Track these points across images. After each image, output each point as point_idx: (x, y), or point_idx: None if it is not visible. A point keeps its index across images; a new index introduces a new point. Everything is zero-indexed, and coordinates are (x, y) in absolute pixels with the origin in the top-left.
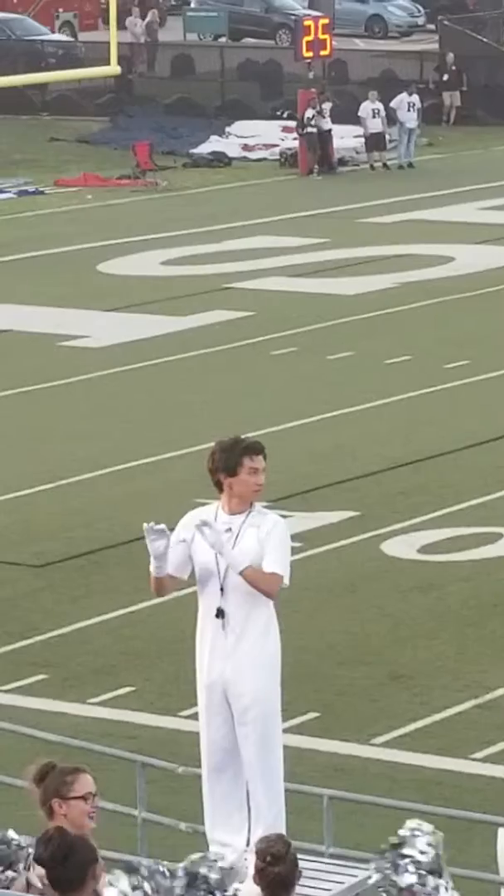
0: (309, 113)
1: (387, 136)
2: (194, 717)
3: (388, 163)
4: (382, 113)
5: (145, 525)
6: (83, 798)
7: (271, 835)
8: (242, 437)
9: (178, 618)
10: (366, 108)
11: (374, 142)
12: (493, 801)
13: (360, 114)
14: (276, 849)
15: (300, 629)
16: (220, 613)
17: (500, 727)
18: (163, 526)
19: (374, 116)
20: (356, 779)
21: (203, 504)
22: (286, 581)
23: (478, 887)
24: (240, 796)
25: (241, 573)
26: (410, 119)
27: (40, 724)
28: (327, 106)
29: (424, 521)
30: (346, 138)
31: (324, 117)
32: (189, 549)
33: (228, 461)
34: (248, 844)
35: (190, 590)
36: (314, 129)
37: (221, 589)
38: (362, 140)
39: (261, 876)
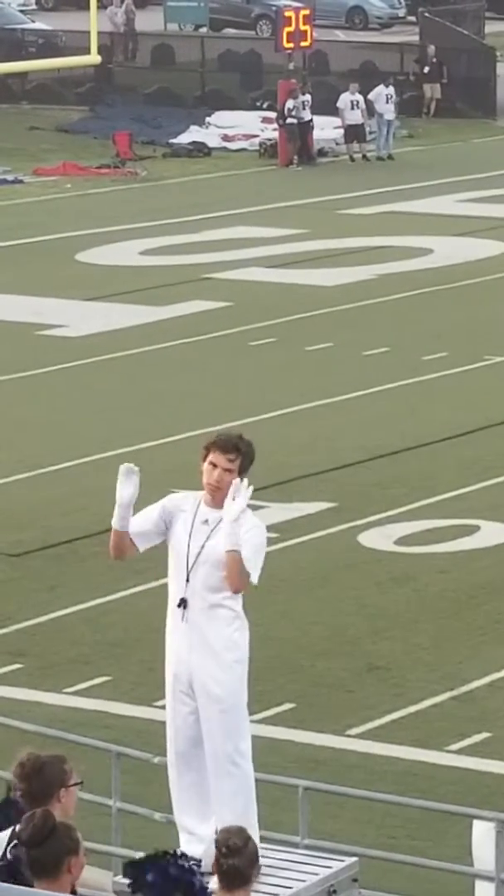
0: (290, 104)
1: (367, 128)
2: None
3: (368, 154)
4: (362, 104)
5: (123, 465)
6: (79, 784)
7: (232, 826)
8: (240, 434)
9: (154, 607)
10: (344, 100)
11: (354, 133)
12: (468, 793)
13: (338, 105)
14: (233, 841)
15: (276, 620)
16: (182, 603)
17: (475, 719)
18: (137, 469)
19: (352, 108)
20: (331, 770)
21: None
22: (254, 580)
23: (452, 879)
24: (206, 786)
25: (230, 551)
26: (388, 111)
27: (16, 714)
28: (307, 97)
29: (401, 513)
30: (325, 129)
31: (304, 108)
32: (161, 528)
33: (203, 447)
34: (215, 834)
35: (166, 579)
36: (294, 120)
37: (187, 579)
38: (342, 131)
39: (217, 866)
